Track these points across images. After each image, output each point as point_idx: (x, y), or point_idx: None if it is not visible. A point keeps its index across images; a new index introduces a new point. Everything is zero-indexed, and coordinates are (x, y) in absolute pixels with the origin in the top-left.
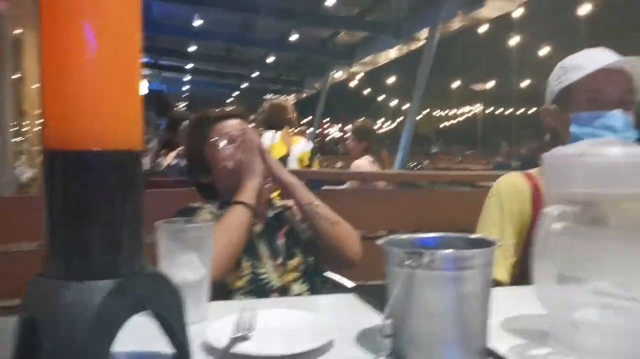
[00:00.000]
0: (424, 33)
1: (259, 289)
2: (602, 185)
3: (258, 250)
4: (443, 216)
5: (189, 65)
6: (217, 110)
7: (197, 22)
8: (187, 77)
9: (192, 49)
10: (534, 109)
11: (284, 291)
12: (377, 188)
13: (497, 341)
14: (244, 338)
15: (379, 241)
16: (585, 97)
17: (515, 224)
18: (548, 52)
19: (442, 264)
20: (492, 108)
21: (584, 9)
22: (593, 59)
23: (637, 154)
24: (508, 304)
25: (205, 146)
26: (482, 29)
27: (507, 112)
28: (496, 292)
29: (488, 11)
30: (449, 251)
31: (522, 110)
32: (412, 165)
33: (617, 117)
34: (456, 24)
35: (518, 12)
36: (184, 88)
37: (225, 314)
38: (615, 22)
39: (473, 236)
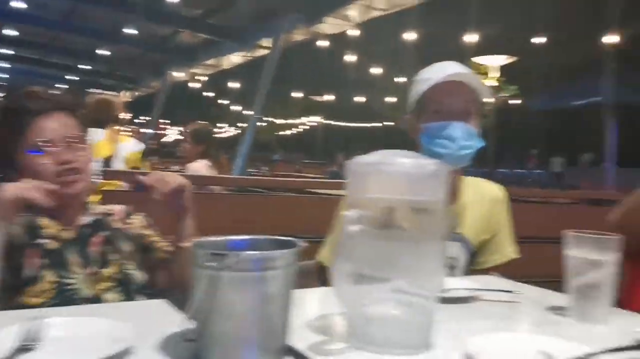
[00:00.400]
0: (268, 42)
1: (66, 301)
2: (394, 192)
3: (66, 258)
4: (278, 220)
5: (6, 51)
6: (38, 93)
7: (18, 4)
8: (4, 64)
9: (10, 33)
10: (366, 124)
11: (95, 301)
12: (213, 192)
13: (299, 339)
14: (28, 349)
15: (186, 244)
16: (431, 108)
17: None
18: (380, 72)
19: (245, 265)
20: (330, 120)
21: (411, 36)
22: (438, 71)
23: (426, 165)
24: (315, 303)
25: (16, 144)
26: (323, 44)
27: (344, 125)
28: (303, 293)
29: (327, 27)
30: (252, 252)
31: (357, 124)
32: (251, 171)
33: (458, 127)
34: (298, 36)
35: (354, 32)
36: (1, 76)
37: (11, 324)
38: (435, 48)
39: (281, 238)
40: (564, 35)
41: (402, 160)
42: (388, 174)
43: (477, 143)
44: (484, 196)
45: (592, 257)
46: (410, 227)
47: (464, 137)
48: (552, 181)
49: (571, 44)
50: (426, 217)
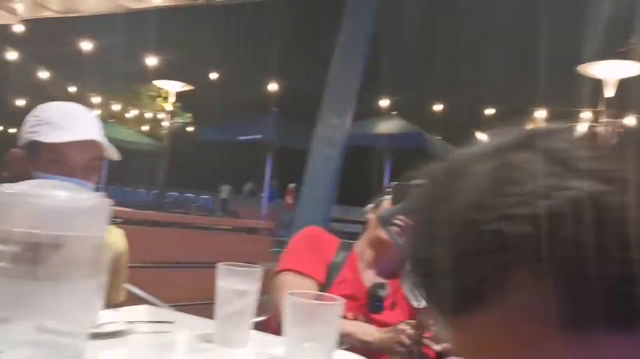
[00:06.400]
0: None
1: None
2: (43, 226)
3: None
4: None
5: None
6: None
7: None
8: None
9: None
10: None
11: None
12: None
13: None
14: None
15: None
16: (51, 157)
17: None
18: (47, 77)
19: None
20: None
21: (87, 45)
22: (69, 124)
23: (82, 200)
24: None
25: None
26: None
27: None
28: None
29: None
30: None
31: (14, 130)
32: None
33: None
34: None
35: (19, 28)
36: None
37: None
38: (116, 64)
39: None
40: (235, 76)
41: (54, 192)
42: (36, 206)
43: None
44: None
45: (238, 288)
46: (60, 263)
47: None
48: (218, 206)
49: (240, 84)
50: (79, 252)
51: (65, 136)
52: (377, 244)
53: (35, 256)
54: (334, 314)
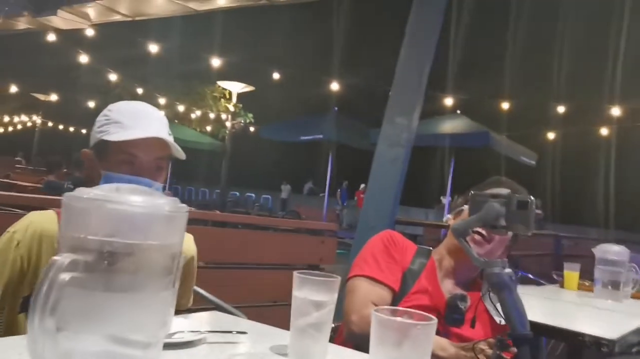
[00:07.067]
0: None
1: None
2: (119, 234)
3: None
4: None
5: None
6: None
7: None
8: None
9: None
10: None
11: None
12: None
13: None
14: None
15: None
16: (119, 157)
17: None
18: (116, 79)
19: None
20: (53, 122)
21: (154, 48)
22: (137, 123)
23: (160, 205)
24: None
25: None
26: (51, 37)
27: (71, 130)
28: None
29: (59, 21)
30: None
31: (85, 130)
32: None
33: (145, 184)
34: (21, 24)
35: (90, 32)
36: None
37: None
38: (181, 65)
39: None
40: (297, 76)
41: (131, 197)
42: (113, 212)
43: None
44: None
45: (315, 298)
46: (133, 271)
47: None
48: (278, 205)
49: (302, 84)
50: (156, 262)
51: (131, 134)
52: (457, 253)
53: (109, 266)
54: (428, 335)
